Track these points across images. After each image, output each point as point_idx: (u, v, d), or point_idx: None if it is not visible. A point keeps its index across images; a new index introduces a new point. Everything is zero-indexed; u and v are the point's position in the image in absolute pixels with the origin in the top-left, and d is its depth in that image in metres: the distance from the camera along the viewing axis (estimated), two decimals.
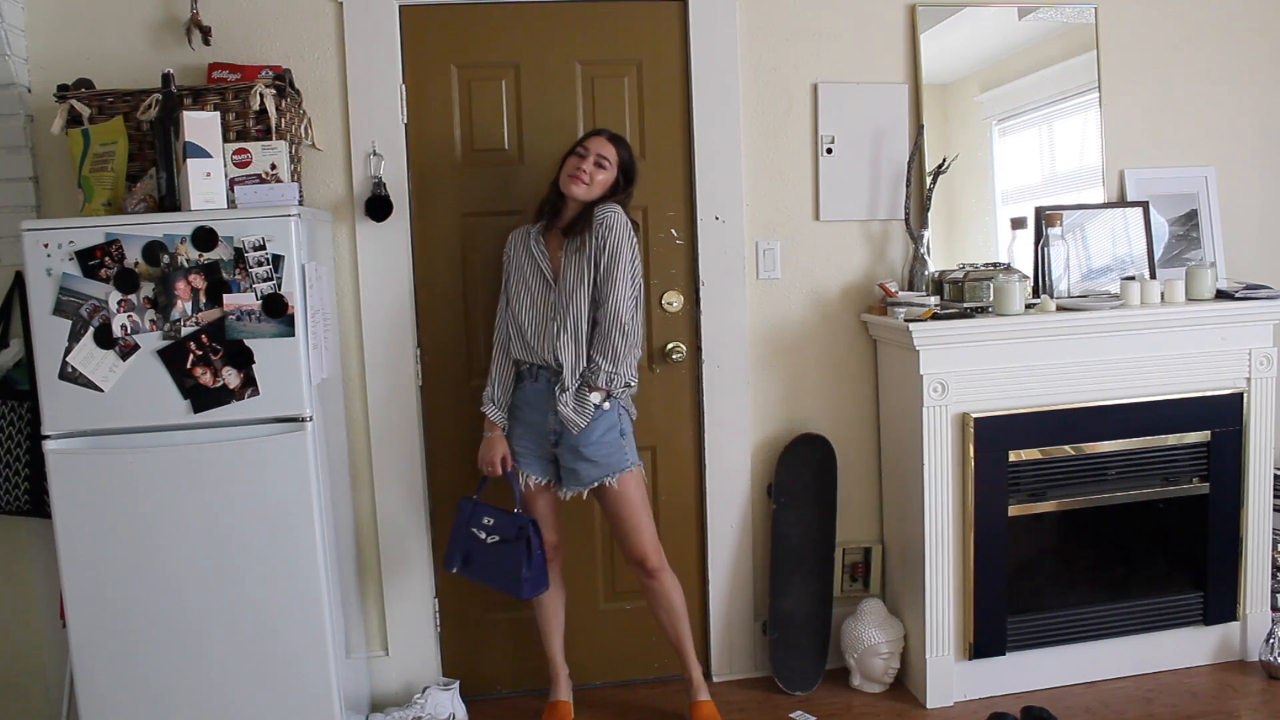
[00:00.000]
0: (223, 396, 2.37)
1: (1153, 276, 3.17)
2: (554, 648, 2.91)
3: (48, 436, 2.35)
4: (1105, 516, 3.06)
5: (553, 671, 2.93)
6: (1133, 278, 3.05)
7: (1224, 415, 3.06)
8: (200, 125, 2.37)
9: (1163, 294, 3.03)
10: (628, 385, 2.68)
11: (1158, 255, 3.24)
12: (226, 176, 2.44)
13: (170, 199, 2.39)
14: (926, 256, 3.08)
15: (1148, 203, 3.23)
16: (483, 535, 2.72)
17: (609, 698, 3.08)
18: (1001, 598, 2.96)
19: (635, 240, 2.69)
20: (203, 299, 2.34)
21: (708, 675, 3.15)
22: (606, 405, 2.64)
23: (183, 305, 2.34)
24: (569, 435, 2.64)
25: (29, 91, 2.73)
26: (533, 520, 2.70)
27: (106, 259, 2.31)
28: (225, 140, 2.46)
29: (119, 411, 2.35)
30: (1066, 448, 2.97)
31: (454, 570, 2.76)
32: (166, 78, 2.43)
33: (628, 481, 2.68)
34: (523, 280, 2.70)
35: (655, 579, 2.76)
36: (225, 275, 2.34)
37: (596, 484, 2.67)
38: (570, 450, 2.66)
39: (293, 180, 2.53)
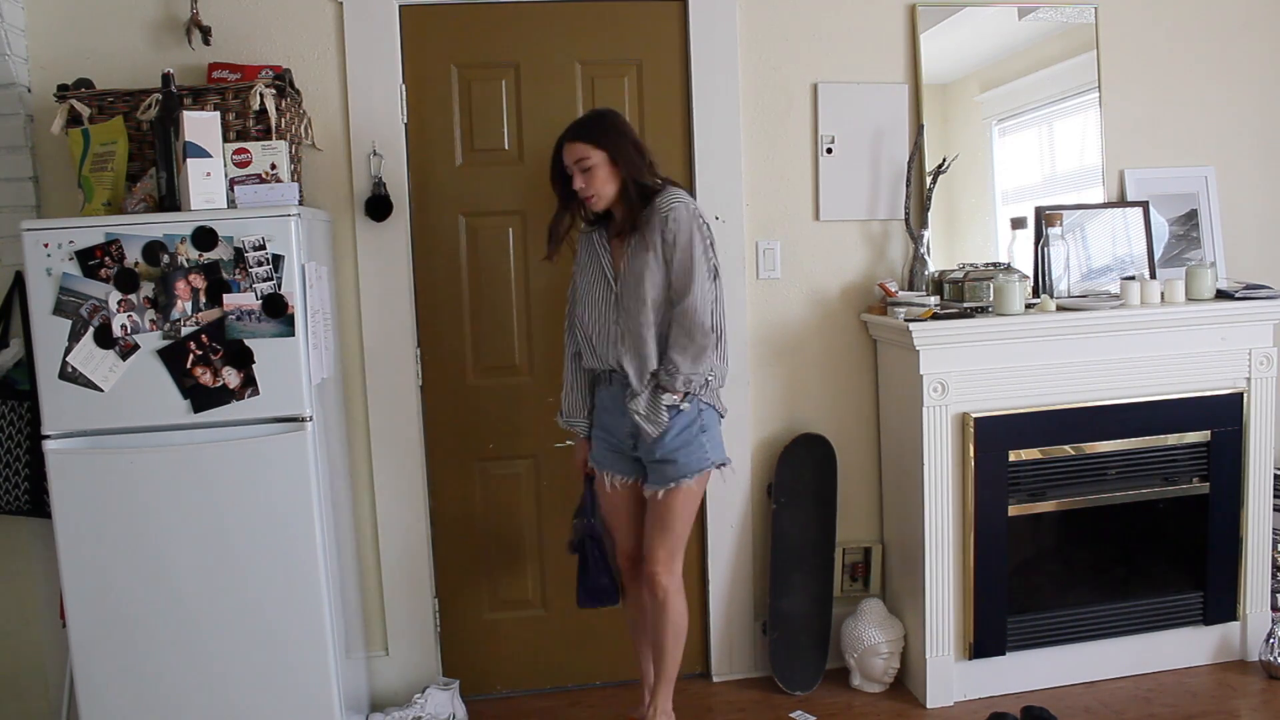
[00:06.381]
0: (223, 396, 2.37)
1: (1153, 276, 3.17)
2: (642, 665, 2.79)
3: (48, 436, 2.35)
4: (1105, 516, 3.06)
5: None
6: (1133, 278, 3.05)
7: (1224, 415, 3.06)
8: (200, 125, 2.37)
9: (1163, 294, 3.03)
10: (706, 382, 2.48)
11: (1158, 255, 3.24)
12: (226, 176, 2.43)
13: (170, 199, 2.39)
14: (926, 256, 3.08)
15: (1148, 203, 3.23)
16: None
17: (609, 698, 3.08)
18: (1001, 598, 2.96)
19: (706, 227, 2.48)
20: (203, 299, 2.34)
21: (708, 675, 3.17)
22: (685, 406, 2.48)
23: (183, 305, 2.34)
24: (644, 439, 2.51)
25: (29, 91, 2.73)
26: (595, 527, 2.68)
27: (106, 259, 2.31)
28: (225, 140, 2.46)
29: (119, 411, 2.35)
30: (1066, 448, 2.98)
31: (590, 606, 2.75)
32: (166, 78, 2.43)
33: (700, 483, 2.54)
34: (586, 283, 2.59)
35: (655, 594, 2.58)
36: (225, 275, 2.34)
37: (675, 484, 2.50)
38: (647, 451, 2.52)
39: (293, 180, 2.53)
